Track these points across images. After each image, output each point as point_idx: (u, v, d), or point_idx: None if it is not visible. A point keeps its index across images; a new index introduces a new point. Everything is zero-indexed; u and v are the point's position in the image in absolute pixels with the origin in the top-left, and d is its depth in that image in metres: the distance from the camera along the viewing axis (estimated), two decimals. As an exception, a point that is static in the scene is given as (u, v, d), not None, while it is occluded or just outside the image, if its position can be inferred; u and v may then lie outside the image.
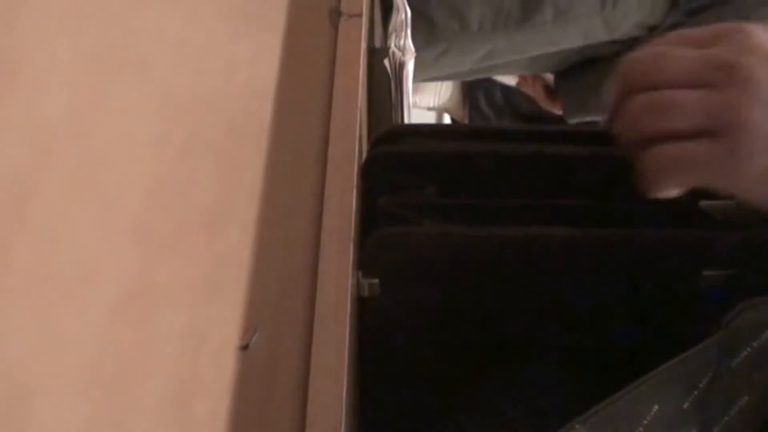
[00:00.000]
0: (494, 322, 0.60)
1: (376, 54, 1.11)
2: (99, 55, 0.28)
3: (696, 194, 0.57)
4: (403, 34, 1.13)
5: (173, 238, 0.33)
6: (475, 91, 1.77)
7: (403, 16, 1.14)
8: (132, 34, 0.30)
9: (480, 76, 1.53)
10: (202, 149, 0.38)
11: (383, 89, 1.13)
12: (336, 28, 0.79)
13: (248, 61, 0.51)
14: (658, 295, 0.57)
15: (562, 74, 1.53)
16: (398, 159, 0.65)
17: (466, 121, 1.77)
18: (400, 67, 1.13)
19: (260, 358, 0.46)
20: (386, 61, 1.11)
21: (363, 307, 0.58)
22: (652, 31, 1.35)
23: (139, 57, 0.31)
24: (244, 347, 0.44)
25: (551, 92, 1.59)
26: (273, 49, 0.58)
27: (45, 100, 0.24)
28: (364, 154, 0.72)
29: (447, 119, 1.93)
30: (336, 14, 0.81)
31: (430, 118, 1.94)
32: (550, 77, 1.58)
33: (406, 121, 1.18)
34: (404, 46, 1.13)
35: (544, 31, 1.31)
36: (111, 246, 0.27)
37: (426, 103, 1.79)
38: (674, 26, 1.33)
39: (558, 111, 1.59)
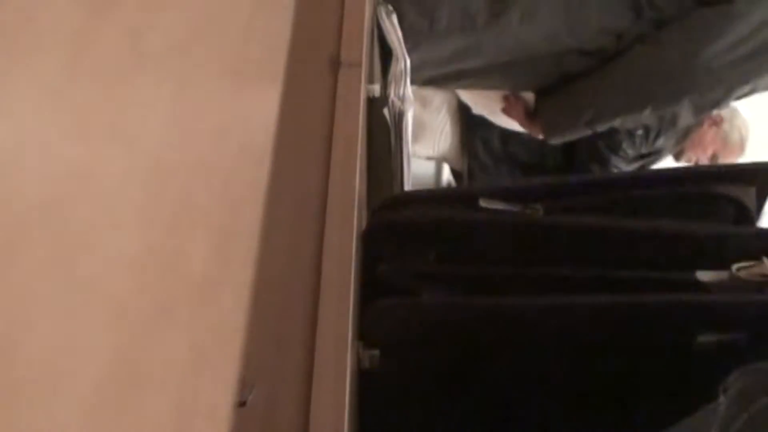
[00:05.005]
0: (493, 390, 0.60)
1: (376, 103, 1.10)
2: (83, 123, 0.26)
3: (691, 263, 0.57)
4: (402, 83, 1.13)
5: (159, 314, 0.31)
6: (473, 141, 1.76)
7: (403, 65, 1.14)
8: (120, 99, 0.29)
9: (457, 86, 1.52)
10: (193, 217, 0.36)
11: (383, 138, 1.13)
12: (335, 77, 0.78)
13: (244, 118, 0.50)
14: (655, 360, 0.57)
15: (540, 94, 1.53)
16: (398, 227, 0.67)
17: (465, 170, 1.76)
18: (399, 116, 1.12)
19: (258, 415, 0.44)
20: (385, 110, 1.10)
21: (363, 378, 0.58)
22: (620, 39, 1.36)
23: (127, 125, 0.29)
24: (242, 404, 0.42)
25: (531, 115, 1.59)
26: (271, 101, 0.57)
27: (21, 173, 0.22)
28: (364, 205, 0.71)
29: (446, 168, 1.92)
30: (335, 64, 0.80)
31: (429, 168, 1.94)
32: (531, 101, 1.58)
33: (405, 169, 1.18)
34: (404, 96, 1.13)
35: (510, 33, 1.33)
36: (88, 330, 0.25)
37: (425, 152, 1.78)
38: (640, 36, 1.34)
39: (538, 134, 1.58)
